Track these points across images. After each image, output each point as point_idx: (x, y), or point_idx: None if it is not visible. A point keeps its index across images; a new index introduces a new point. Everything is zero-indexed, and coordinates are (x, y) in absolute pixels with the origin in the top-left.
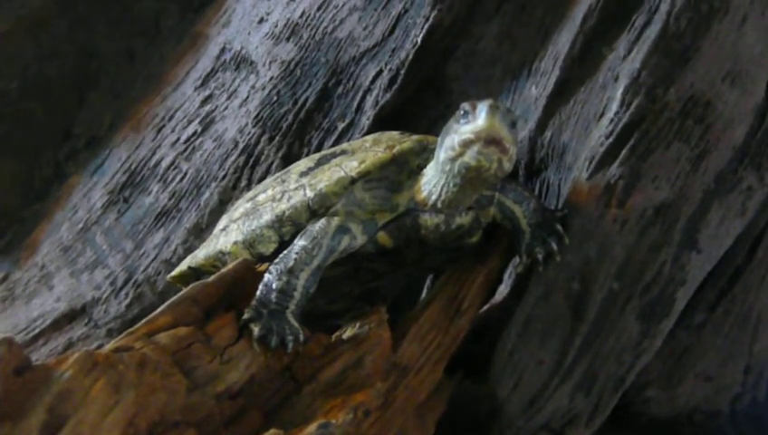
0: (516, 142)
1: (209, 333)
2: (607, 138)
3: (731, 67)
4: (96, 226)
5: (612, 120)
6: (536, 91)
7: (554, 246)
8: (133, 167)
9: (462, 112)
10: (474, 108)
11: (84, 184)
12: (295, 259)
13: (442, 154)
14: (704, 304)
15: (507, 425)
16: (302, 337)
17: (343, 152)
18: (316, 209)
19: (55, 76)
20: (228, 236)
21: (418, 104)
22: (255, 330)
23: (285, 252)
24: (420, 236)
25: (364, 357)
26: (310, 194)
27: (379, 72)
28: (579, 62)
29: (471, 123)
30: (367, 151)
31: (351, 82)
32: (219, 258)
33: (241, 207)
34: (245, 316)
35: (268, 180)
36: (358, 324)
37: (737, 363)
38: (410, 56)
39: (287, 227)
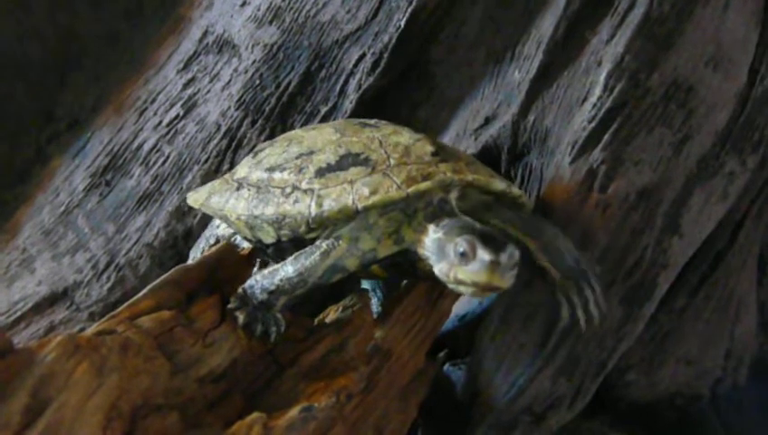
0: (514, 272)
1: (192, 317)
2: (589, 122)
3: (714, 52)
4: (78, 209)
5: (595, 104)
6: (519, 75)
7: (589, 300)
8: (115, 150)
9: (460, 251)
10: (473, 252)
11: (66, 167)
12: (277, 286)
13: (436, 269)
14: (685, 288)
15: (489, 408)
16: (283, 328)
17: (366, 161)
18: (315, 228)
19: (36, 58)
20: (238, 202)
21: (402, 88)
22: (241, 317)
23: (272, 269)
24: (416, 272)
25: (347, 341)
26: (313, 211)
27: (362, 56)
28: (562, 47)
29: (469, 268)
30: (386, 174)
31: (334, 66)
32: (223, 218)
33: (261, 169)
34: (231, 305)
35: (293, 149)
36: (341, 308)
37: (718, 348)
38: (393, 40)
39: (285, 231)
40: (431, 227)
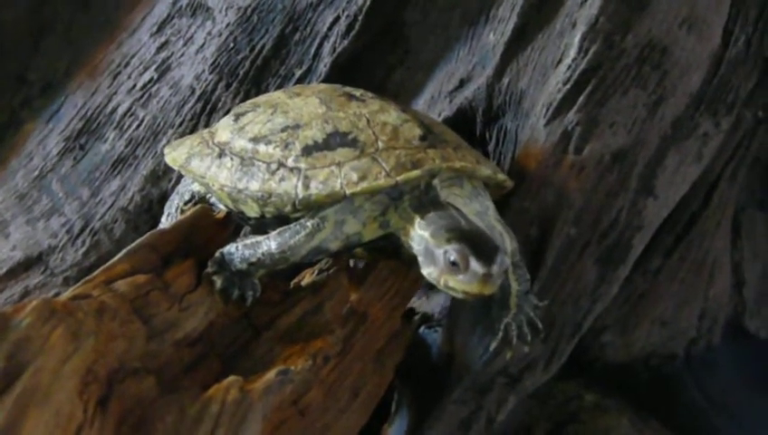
0: (503, 277)
1: (167, 281)
2: (564, 84)
3: (688, 13)
4: (52, 173)
5: (570, 66)
6: (494, 37)
7: (528, 338)
8: (89, 114)
9: (451, 260)
10: (465, 264)
11: (40, 131)
12: (258, 259)
13: (424, 271)
14: (660, 249)
15: (465, 370)
16: (259, 293)
17: (355, 142)
18: (301, 209)
19: (9, 21)
20: (220, 170)
21: (376, 51)
22: (218, 282)
23: (255, 241)
24: (400, 256)
25: (323, 304)
26: (300, 193)
27: (337, 19)
28: (536, 9)
29: (460, 278)
30: (375, 159)
31: (308, 29)
32: (204, 185)
33: (244, 138)
34: (209, 269)
35: (278, 119)
36: (316, 271)
37: (692, 308)
38: (368, 2)
39: (270, 208)
40: (417, 220)
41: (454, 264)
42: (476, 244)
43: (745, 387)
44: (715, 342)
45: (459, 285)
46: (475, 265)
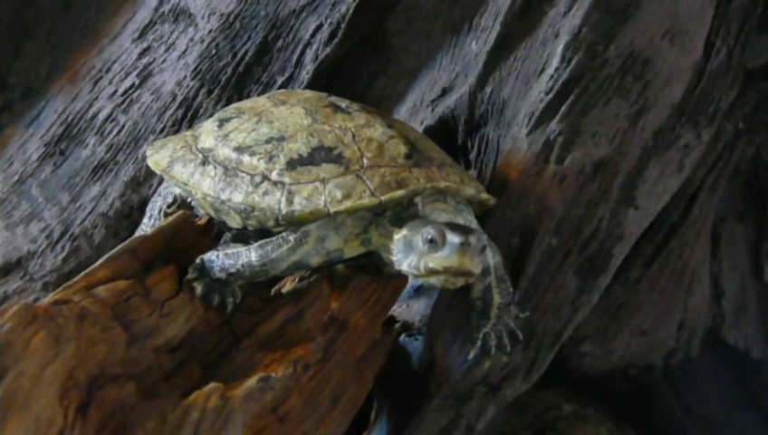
0: (483, 257)
1: (149, 287)
2: (547, 94)
3: (670, 24)
4: (32, 178)
5: (552, 76)
6: (476, 46)
7: (508, 348)
8: (70, 119)
9: (428, 238)
10: (442, 238)
11: (20, 136)
12: (239, 269)
13: (404, 264)
14: (640, 259)
15: (445, 379)
16: (239, 299)
17: (339, 158)
18: (283, 224)
19: None
20: (203, 178)
21: (359, 58)
22: (199, 288)
23: (235, 251)
24: (381, 273)
25: (304, 311)
26: (283, 209)
27: (320, 26)
28: (519, 18)
29: (439, 255)
30: (359, 177)
31: (291, 36)
32: (187, 192)
33: (228, 147)
34: (189, 276)
35: (263, 129)
36: (297, 279)
37: (672, 319)
38: (351, 10)
39: (252, 222)
40: (395, 231)
41: (431, 241)
42: (452, 225)
43: (723, 398)
44: (693, 352)
45: (439, 262)
46: (452, 236)
